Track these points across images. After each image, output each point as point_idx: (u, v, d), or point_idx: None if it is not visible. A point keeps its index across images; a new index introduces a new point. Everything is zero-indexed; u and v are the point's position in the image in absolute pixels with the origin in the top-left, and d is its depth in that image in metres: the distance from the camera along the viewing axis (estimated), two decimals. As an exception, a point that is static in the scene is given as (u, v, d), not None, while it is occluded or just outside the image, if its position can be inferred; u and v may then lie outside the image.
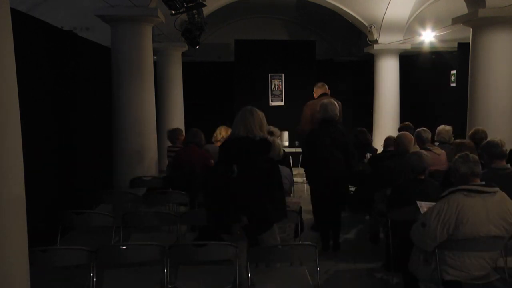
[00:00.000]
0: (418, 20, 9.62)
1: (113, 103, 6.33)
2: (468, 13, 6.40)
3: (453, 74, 10.29)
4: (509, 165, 3.90)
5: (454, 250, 3.08)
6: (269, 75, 10.31)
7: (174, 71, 10.02)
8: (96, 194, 5.20)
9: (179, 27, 7.37)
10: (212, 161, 5.29)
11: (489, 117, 6.17)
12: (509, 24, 6.04)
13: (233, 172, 3.41)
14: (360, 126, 6.89)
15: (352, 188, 6.70)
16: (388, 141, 5.76)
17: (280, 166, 4.31)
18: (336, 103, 5.31)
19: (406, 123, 6.75)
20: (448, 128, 5.64)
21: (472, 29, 6.38)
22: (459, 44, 9.47)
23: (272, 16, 12.31)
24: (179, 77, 10.14)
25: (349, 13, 9.52)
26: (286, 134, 9.80)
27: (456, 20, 6.74)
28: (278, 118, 9.06)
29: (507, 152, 3.97)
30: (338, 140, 5.06)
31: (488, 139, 4.25)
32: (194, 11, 6.43)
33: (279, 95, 10.37)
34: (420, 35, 9.36)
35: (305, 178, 6.05)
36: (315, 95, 6.48)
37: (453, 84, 10.31)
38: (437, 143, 5.51)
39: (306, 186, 7.95)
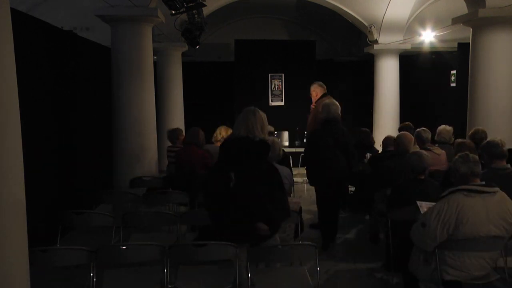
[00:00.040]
0: (418, 20, 9.62)
1: (113, 103, 6.33)
2: (468, 13, 6.40)
3: (453, 74, 10.29)
4: (509, 165, 3.89)
5: (454, 250, 3.08)
6: (269, 75, 10.31)
7: (174, 71, 10.02)
8: (96, 194, 5.20)
9: (179, 27, 7.37)
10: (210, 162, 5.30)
11: (489, 117, 6.17)
12: (509, 24, 6.04)
13: (231, 181, 3.41)
14: (360, 126, 6.89)
15: (352, 188, 6.71)
16: (387, 140, 5.76)
17: (280, 166, 4.33)
18: (338, 104, 5.33)
19: (406, 123, 6.75)
20: (449, 128, 5.64)
21: (472, 29, 6.38)
22: (459, 44, 9.47)
23: (272, 16, 12.31)
24: (179, 77, 10.14)
25: (349, 13, 9.52)
26: (286, 134, 9.80)
27: (456, 20, 6.74)
28: (278, 118, 9.07)
29: (507, 152, 3.97)
30: (340, 140, 5.09)
31: (488, 139, 4.25)
32: (194, 11, 6.42)
33: (279, 95, 10.38)
34: (420, 35, 9.35)
35: (305, 178, 6.05)
36: (315, 94, 6.43)
37: (453, 84, 10.30)
38: (437, 144, 5.51)
39: (306, 186, 7.96)
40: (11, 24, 2.44)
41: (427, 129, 5.21)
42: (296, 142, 9.55)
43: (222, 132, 5.80)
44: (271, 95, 10.34)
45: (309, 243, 3.42)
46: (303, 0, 9.95)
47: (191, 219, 4.49)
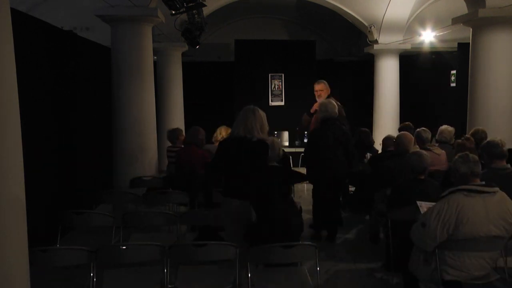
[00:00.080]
0: (418, 20, 9.62)
1: (113, 103, 6.32)
2: (468, 13, 6.40)
3: (453, 74, 10.30)
4: (509, 165, 3.89)
5: (454, 250, 3.08)
6: (269, 75, 10.32)
7: (174, 71, 10.02)
8: (96, 194, 5.20)
9: (179, 27, 7.37)
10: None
11: (489, 117, 6.17)
12: (509, 24, 6.04)
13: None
14: (360, 126, 6.89)
15: (352, 188, 6.71)
16: (387, 140, 5.76)
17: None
18: (335, 103, 5.41)
19: (406, 123, 6.74)
20: (450, 128, 5.64)
21: (472, 29, 6.38)
22: (459, 44, 9.48)
23: (272, 16, 12.31)
24: (179, 77, 10.14)
25: (349, 13, 9.52)
26: (286, 134, 9.81)
27: (456, 20, 6.74)
28: (278, 118, 9.09)
29: (507, 152, 3.97)
30: (340, 139, 5.16)
31: (488, 139, 4.25)
32: (194, 11, 6.42)
33: (279, 95, 10.38)
34: (420, 35, 9.36)
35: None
36: (324, 94, 6.38)
37: (453, 84, 10.31)
38: (437, 144, 5.51)
39: (306, 186, 7.95)
40: (11, 24, 2.44)
41: (427, 129, 5.22)
42: (296, 142, 9.55)
43: (222, 132, 5.80)
44: (271, 95, 10.34)
45: (309, 243, 3.42)
46: (303, 0, 9.95)
47: (191, 219, 4.50)
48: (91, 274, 3.21)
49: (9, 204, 2.39)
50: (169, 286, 3.29)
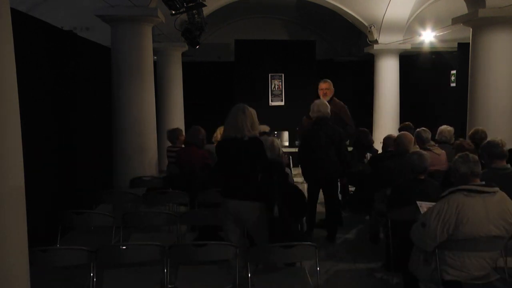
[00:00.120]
0: (418, 20, 9.62)
1: (113, 103, 6.32)
2: (468, 13, 6.40)
3: (453, 74, 10.30)
4: (509, 165, 3.89)
5: (454, 250, 3.07)
6: (269, 75, 10.30)
7: (174, 71, 10.02)
8: (96, 194, 5.20)
9: (179, 27, 7.37)
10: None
11: (489, 117, 6.16)
12: (509, 24, 6.04)
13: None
14: (360, 126, 6.89)
15: (352, 188, 6.71)
16: (388, 140, 5.76)
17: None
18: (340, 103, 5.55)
19: (406, 123, 6.74)
20: (450, 128, 5.64)
21: (472, 29, 6.37)
22: (459, 44, 9.47)
23: (272, 16, 12.31)
24: (179, 77, 10.14)
25: (349, 13, 9.52)
26: (286, 134, 9.80)
27: (456, 20, 6.74)
28: (278, 118, 9.08)
29: (508, 152, 3.97)
30: (332, 139, 5.23)
31: (488, 139, 4.25)
32: (194, 11, 6.42)
33: (279, 95, 10.37)
34: (420, 35, 9.36)
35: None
36: (329, 93, 6.39)
37: (453, 84, 10.31)
38: (437, 144, 5.51)
39: (306, 186, 7.95)
40: (11, 24, 2.44)
41: (427, 129, 5.21)
42: (296, 142, 9.52)
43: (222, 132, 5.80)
44: (271, 95, 10.33)
45: (309, 243, 3.42)
46: (303, 0, 9.95)
47: (191, 219, 4.50)
48: (91, 274, 3.21)
49: (9, 203, 2.39)
50: (169, 286, 3.29)
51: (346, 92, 10.81)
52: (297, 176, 8.15)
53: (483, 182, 3.13)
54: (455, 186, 3.12)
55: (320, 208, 5.79)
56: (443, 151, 5.11)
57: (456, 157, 3.30)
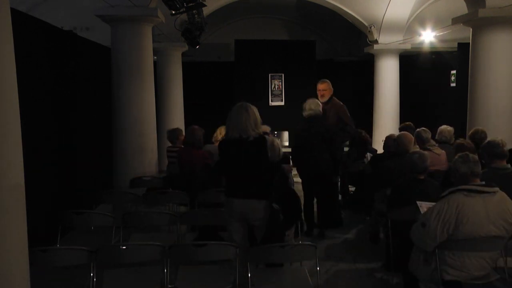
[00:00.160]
0: (418, 20, 9.62)
1: (113, 103, 6.32)
2: (468, 13, 6.40)
3: (453, 74, 10.29)
4: (509, 165, 3.89)
5: (454, 250, 3.08)
6: (269, 75, 10.30)
7: (174, 71, 10.02)
8: (96, 194, 5.21)
9: (179, 27, 7.37)
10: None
11: (489, 117, 6.16)
12: (509, 24, 6.04)
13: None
14: (360, 126, 6.90)
15: (352, 188, 6.72)
16: (388, 140, 5.76)
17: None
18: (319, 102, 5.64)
19: (407, 123, 6.73)
20: (450, 128, 5.65)
21: (472, 29, 6.37)
22: (459, 44, 9.47)
23: (272, 16, 12.31)
24: (179, 77, 10.14)
25: (349, 13, 9.52)
26: (286, 134, 9.80)
27: (456, 20, 6.74)
28: (278, 118, 9.07)
29: (508, 152, 3.97)
30: (324, 137, 5.34)
31: (488, 139, 4.25)
32: (194, 11, 6.42)
33: (279, 95, 10.37)
34: (420, 35, 9.35)
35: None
36: (327, 94, 6.38)
37: (453, 84, 10.30)
38: (437, 144, 5.51)
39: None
40: (11, 24, 2.43)
41: (427, 129, 5.21)
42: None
43: (222, 132, 5.80)
44: (271, 95, 10.33)
45: (309, 243, 3.42)
46: (303, 0, 9.95)
47: (191, 219, 4.49)
48: (91, 274, 3.21)
49: (10, 204, 2.39)
50: (169, 286, 3.29)
51: (346, 92, 10.80)
52: (297, 176, 8.15)
53: (483, 182, 3.13)
54: (455, 186, 3.12)
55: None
56: (443, 151, 5.11)
57: (456, 157, 3.30)
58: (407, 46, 9.74)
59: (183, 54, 10.17)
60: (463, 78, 8.08)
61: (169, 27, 7.54)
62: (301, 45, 10.69)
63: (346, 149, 6.76)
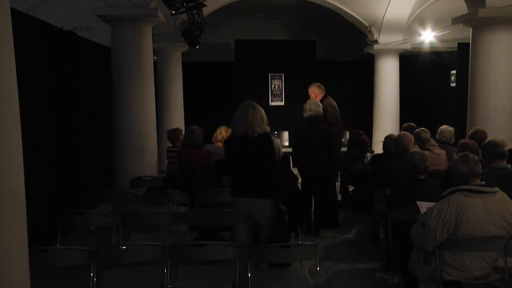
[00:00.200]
0: (418, 20, 9.62)
1: (113, 103, 6.32)
2: (468, 13, 6.40)
3: (453, 74, 10.29)
4: (509, 165, 3.89)
5: (454, 250, 3.08)
6: (269, 75, 10.31)
7: (174, 71, 10.02)
8: (96, 194, 5.21)
9: (179, 27, 7.37)
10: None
11: (489, 117, 6.17)
12: (509, 24, 6.04)
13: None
14: (360, 126, 6.90)
15: (352, 188, 6.72)
16: (388, 140, 5.76)
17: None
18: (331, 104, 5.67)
19: (410, 123, 6.67)
20: (450, 128, 5.64)
21: (472, 29, 6.37)
22: (459, 44, 9.47)
23: (272, 16, 12.31)
24: (179, 77, 10.14)
25: (349, 13, 9.52)
26: (286, 134, 9.80)
27: (456, 20, 6.74)
28: (278, 118, 9.07)
29: (508, 152, 3.97)
30: (324, 137, 5.37)
31: (488, 139, 4.25)
32: (194, 11, 6.42)
33: (279, 95, 10.37)
34: (420, 35, 9.35)
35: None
36: (314, 96, 6.40)
37: (453, 84, 10.30)
38: (437, 144, 5.51)
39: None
40: (11, 24, 2.43)
41: (426, 129, 5.21)
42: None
43: (222, 132, 5.81)
44: (271, 95, 10.33)
45: (309, 243, 3.42)
46: (303, 0, 9.95)
47: (191, 219, 4.49)
48: (91, 274, 3.21)
49: (9, 204, 2.39)
50: (169, 286, 3.29)
51: (346, 92, 10.84)
52: (297, 176, 8.16)
53: (483, 182, 3.13)
54: (455, 186, 3.12)
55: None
56: (443, 151, 5.11)
57: (456, 157, 3.30)
58: (407, 46, 9.74)
59: (183, 54, 10.17)
60: (463, 78, 8.08)
61: (169, 27, 7.54)
62: (301, 45, 10.69)
63: (344, 149, 6.77)
